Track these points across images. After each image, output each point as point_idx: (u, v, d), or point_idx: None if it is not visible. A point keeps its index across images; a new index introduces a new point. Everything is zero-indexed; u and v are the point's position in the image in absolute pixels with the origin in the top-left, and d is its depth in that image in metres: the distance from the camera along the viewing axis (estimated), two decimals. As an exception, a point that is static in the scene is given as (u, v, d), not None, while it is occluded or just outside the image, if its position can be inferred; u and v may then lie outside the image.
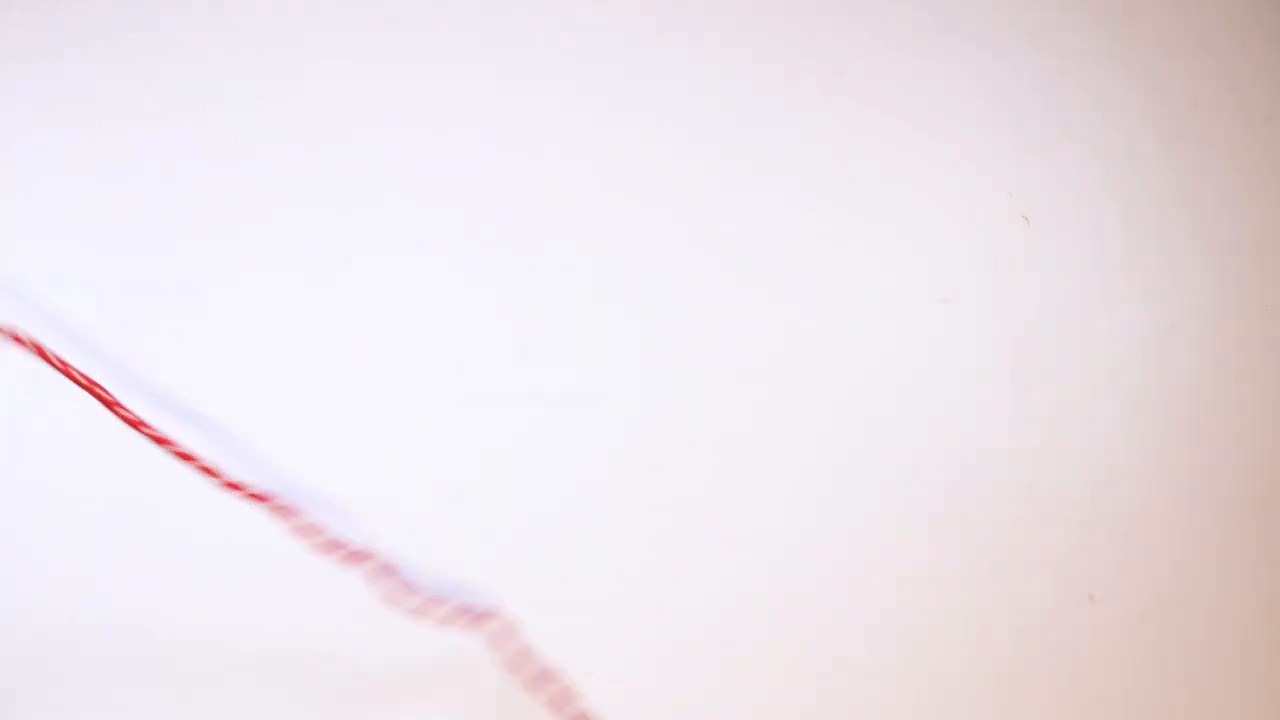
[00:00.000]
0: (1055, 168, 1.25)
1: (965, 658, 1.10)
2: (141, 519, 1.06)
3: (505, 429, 1.10)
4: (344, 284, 1.11)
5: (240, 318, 1.08)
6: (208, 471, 1.00)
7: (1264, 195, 1.27)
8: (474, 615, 1.02)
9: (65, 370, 0.99)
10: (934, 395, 1.16)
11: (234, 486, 1.01)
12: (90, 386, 1.00)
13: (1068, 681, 1.11)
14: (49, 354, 1.00)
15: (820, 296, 1.17)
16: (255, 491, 1.02)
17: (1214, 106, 1.29)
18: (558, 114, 1.18)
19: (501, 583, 1.05)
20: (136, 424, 1.00)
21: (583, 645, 1.05)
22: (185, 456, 1.00)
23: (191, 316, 1.08)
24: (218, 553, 1.06)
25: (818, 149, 1.22)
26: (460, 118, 1.17)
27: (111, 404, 1.00)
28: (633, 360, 1.12)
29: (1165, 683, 1.12)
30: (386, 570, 1.03)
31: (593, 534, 1.09)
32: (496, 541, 1.08)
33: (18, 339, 0.99)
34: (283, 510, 1.02)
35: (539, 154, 1.17)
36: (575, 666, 1.03)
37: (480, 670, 1.02)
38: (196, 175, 1.11)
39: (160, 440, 1.00)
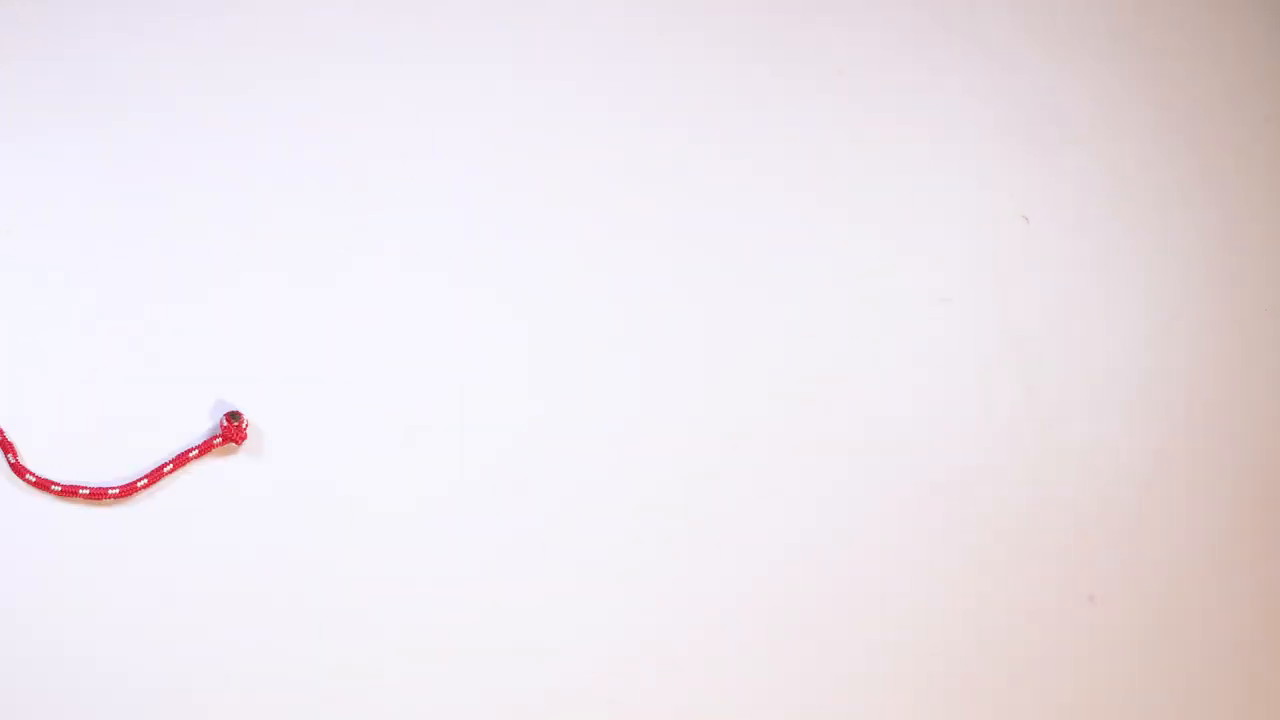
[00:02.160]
0: (1055, 168, 1.25)
1: (965, 658, 1.10)
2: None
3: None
4: (343, 283, 1.11)
5: (240, 317, 1.08)
6: None
7: (1264, 195, 1.27)
8: None
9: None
10: (934, 395, 1.16)
11: None
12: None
13: (1068, 681, 1.11)
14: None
15: (821, 296, 1.17)
16: None
17: (1214, 107, 1.29)
18: (558, 114, 1.18)
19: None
20: None
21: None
22: None
23: (191, 316, 1.08)
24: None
25: (818, 149, 1.22)
26: (461, 118, 1.17)
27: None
28: (632, 359, 1.12)
29: (1165, 683, 1.12)
30: None
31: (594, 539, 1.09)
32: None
33: None
34: None
35: (539, 154, 1.17)
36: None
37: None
38: (197, 175, 1.11)
39: None
